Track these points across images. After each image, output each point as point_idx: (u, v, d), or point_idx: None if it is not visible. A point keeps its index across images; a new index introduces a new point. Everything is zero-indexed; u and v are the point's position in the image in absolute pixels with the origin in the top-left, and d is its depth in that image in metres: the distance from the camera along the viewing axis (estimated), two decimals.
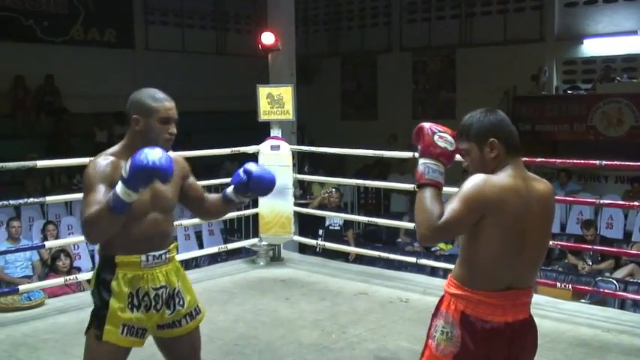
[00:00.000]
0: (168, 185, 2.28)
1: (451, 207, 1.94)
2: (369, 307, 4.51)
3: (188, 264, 6.86)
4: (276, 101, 5.84)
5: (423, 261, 5.64)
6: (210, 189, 10.05)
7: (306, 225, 7.09)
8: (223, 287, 5.18)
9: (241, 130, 7.36)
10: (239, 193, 2.41)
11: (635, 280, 6.46)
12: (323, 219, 7.78)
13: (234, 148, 5.80)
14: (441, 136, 2.06)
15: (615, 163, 4.87)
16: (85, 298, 4.99)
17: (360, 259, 6.98)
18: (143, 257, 2.24)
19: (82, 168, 9.24)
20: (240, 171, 2.39)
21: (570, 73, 12.47)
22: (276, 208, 5.78)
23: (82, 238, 6.58)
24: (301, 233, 6.40)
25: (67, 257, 6.23)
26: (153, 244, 2.26)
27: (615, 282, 6.29)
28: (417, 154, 2.10)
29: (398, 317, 4.35)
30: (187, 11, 13.64)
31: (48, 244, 5.68)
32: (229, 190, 2.43)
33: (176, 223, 6.24)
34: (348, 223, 7.92)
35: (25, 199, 5.37)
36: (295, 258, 6.16)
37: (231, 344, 3.91)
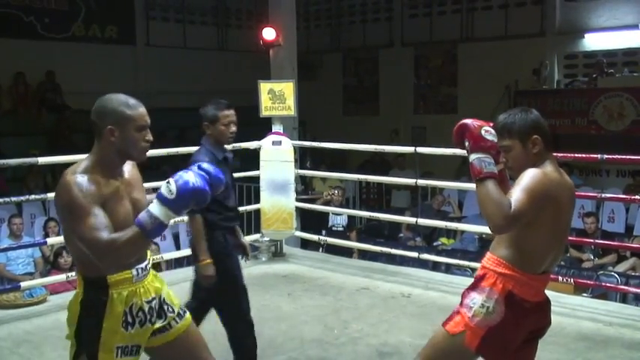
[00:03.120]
0: (141, 194, 2.23)
1: (519, 198, 2.05)
2: (371, 302, 4.52)
3: (190, 260, 6.86)
4: (277, 97, 5.84)
5: (425, 256, 5.65)
6: None
7: (308, 221, 7.09)
8: None
9: (243, 126, 7.35)
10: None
11: (637, 274, 6.45)
12: (326, 220, 7.79)
13: (235, 144, 5.79)
14: (487, 130, 2.15)
15: (616, 157, 4.87)
16: None
17: (362, 255, 6.99)
18: (134, 272, 2.15)
19: None
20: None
21: (571, 68, 12.44)
22: (278, 204, 5.79)
23: None
24: (303, 229, 6.40)
25: (69, 254, 6.24)
26: (139, 256, 2.17)
27: (617, 276, 6.28)
28: (464, 152, 2.18)
29: (400, 312, 4.36)
30: (188, 7, 13.62)
31: (50, 240, 5.68)
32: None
33: (177, 218, 6.24)
34: (351, 224, 7.94)
35: (27, 196, 5.39)
36: (297, 253, 6.16)
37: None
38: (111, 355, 2.11)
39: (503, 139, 2.18)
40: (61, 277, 5.01)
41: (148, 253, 2.28)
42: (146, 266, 2.22)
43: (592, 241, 6.06)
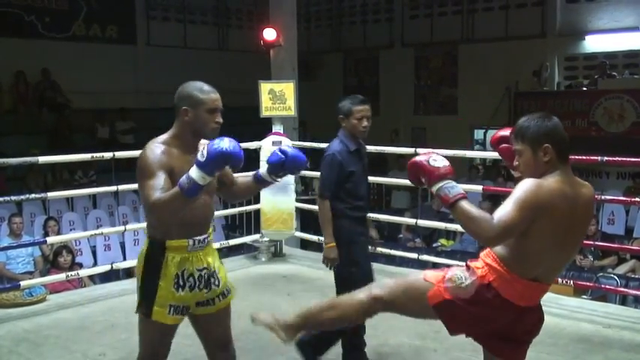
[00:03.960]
0: None
1: (508, 210, 2.06)
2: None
3: None
4: (277, 97, 5.85)
5: (425, 257, 5.65)
6: None
7: (308, 221, 7.09)
8: None
9: (243, 126, 7.36)
10: (273, 173, 2.59)
11: (637, 276, 6.45)
12: None
13: None
14: (434, 158, 2.19)
15: (616, 158, 4.87)
16: (87, 293, 5.02)
17: None
18: (190, 241, 2.42)
19: (83, 164, 9.31)
20: (277, 151, 2.57)
21: (572, 69, 12.45)
22: (278, 204, 5.79)
23: (83, 234, 6.62)
24: (303, 229, 6.40)
25: (69, 253, 6.23)
26: (198, 229, 2.43)
27: (617, 278, 6.28)
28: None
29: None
30: (189, 7, 13.62)
31: (49, 239, 5.68)
32: (263, 170, 2.62)
33: None
34: None
35: (27, 195, 5.39)
36: (297, 254, 6.16)
37: (233, 340, 3.91)
38: (164, 310, 2.40)
39: (516, 142, 2.20)
40: (60, 276, 5.01)
41: (210, 229, 2.52)
42: (204, 239, 2.47)
43: (592, 243, 6.05)
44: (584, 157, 4.94)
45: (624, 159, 4.91)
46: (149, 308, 2.40)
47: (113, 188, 5.22)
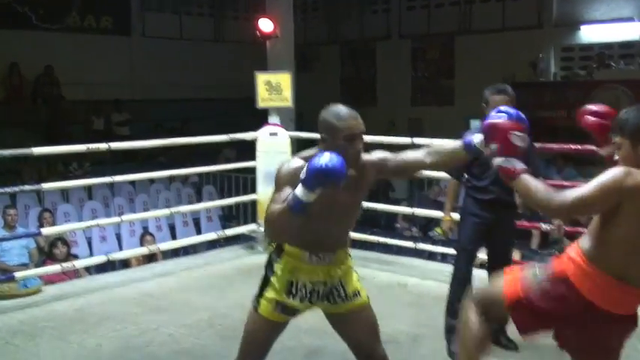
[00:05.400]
0: (349, 194, 2.39)
1: (586, 186, 2.05)
2: (367, 291, 4.51)
3: (186, 250, 6.86)
4: (274, 88, 5.82)
5: (421, 245, 5.64)
6: (209, 176, 10.02)
7: None
8: (222, 273, 5.18)
9: (239, 117, 7.34)
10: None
11: None
12: None
13: (232, 135, 5.78)
14: (516, 134, 2.18)
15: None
16: (82, 285, 5.00)
17: (358, 244, 6.98)
18: (307, 254, 2.41)
19: (79, 155, 9.23)
20: (495, 112, 2.29)
21: (568, 60, 12.44)
22: None
23: (79, 225, 6.59)
24: None
25: (64, 245, 6.21)
26: (320, 245, 2.41)
27: None
28: (490, 151, 2.23)
29: (396, 301, 4.35)
30: None
31: (44, 231, 5.65)
32: (479, 138, 2.31)
33: (174, 209, 6.26)
34: None
35: (21, 187, 5.34)
36: None
37: (231, 329, 3.90)
38: (270, 305, 2.43)
39: (615, 135, 2.16)
40: (56, 267, 4.98)
41: (341, 250, 2.47)
42: (325, 257, 2.42)
43: (586, 230, 6.06)
44: (579, 147, 4.96)
45: None
46: (257, 301, 2.46)
47: (108, 179, 5.19)
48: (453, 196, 3.93)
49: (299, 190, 2.15)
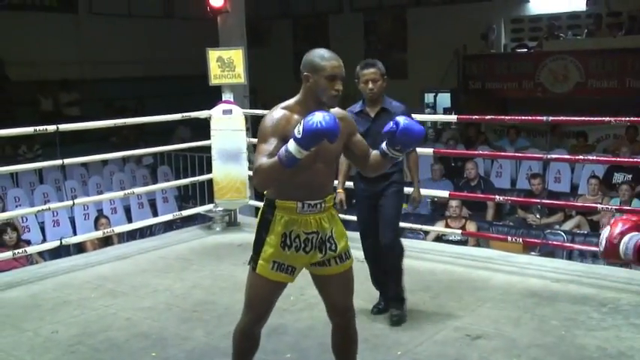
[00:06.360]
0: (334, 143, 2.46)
1: None
2: None
3: (142, 232, 6.78)
4: (226, 65, 5.74)
5: None
6: (163, 156, 9.88)
7: None
8: (180, 254, 5.15)
9: (195, 95, 7.22)
10: (390, 146, 2.52)
11: (582, 232, 6.68)
12: None
13: (185, 114, 5.70)
14: (626, 247, 2.07)
15: (560, 118, 4.98)
16: (36, 270, 4.90)
17: None
18: (299, 204, 2.48)
19: (27, 138, 8.98)
20: (391, 122, 2.50)
21: (518, 32, 12.63)
22: (231, 173, 5.74)
23: (30, 209, 6.43)
24: (257, 197, 6.37)
25: (14, 230, 6.03)
26: (310, 193, 2.49)
27: (563, 234, 6.49)
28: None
29: (354, 277, 4.40)
30: None
31: None
32: (383, 143, 2.55)
33: (128, 191, 6.17)
34: None
35: None
36: (251, 222, 6.13)
37: (190, 311, 3.91)
38: (267, 264, 2.50)
39: None
40: (7, 254, 4.87)
41: (328, 197, 2.55)
42: (317, 205, 2.51)
43: (539, 201, 6.23)
44: (529, 118, 5.02)
45: (567, 118, 5.02)
46: (255, 262, 2.52)
47: (59, 162, 5.07)
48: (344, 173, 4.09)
49: (293, 147, 2.22)
